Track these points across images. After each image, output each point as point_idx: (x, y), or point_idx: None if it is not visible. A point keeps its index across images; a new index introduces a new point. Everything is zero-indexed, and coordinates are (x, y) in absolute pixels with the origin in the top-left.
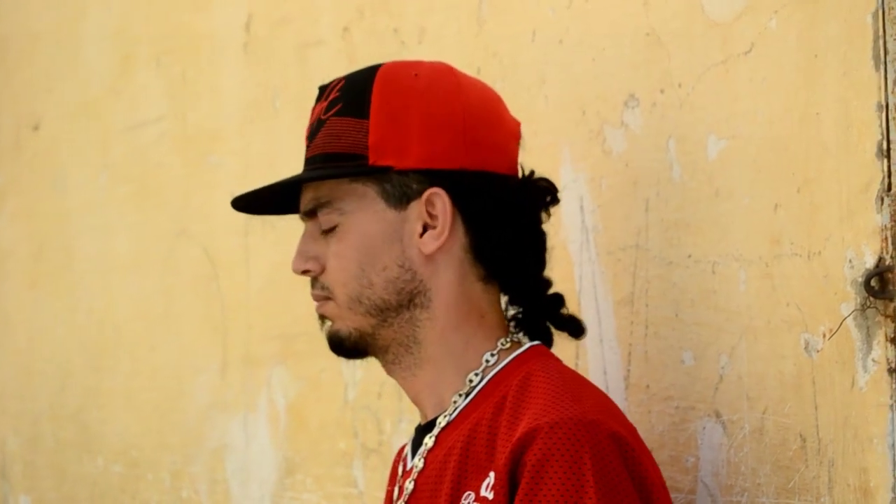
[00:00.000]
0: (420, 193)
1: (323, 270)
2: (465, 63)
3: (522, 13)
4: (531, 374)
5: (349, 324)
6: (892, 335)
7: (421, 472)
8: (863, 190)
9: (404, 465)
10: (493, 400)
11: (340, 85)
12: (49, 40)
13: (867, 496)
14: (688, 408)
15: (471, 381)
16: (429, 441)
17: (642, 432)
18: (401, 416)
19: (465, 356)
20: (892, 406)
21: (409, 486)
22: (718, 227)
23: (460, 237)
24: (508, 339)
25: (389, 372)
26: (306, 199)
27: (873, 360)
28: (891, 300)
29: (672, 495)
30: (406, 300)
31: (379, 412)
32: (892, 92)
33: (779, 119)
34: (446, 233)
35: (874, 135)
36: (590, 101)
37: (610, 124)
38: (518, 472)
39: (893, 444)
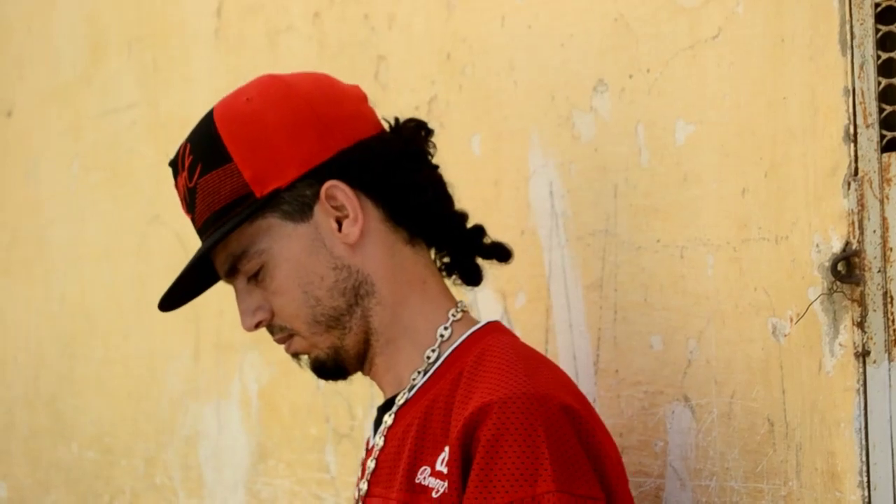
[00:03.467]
0: (317, 195)
1: (272, 314)
2: (435, 49)
3: None
4: (486, 350)
5: (322, 346)
6: (859, 319)
7: (382, 450)
8: (830, 174)
9: (367, 445)
10: (450, 376)
11: (188, 149)
12: (21, 27)
13: (834, 480)
14: (656, 392)
15: (428, 357)
16: (388, 419)
17: (611, 417)
18: (372, 401)
19: (418, 332)
20: (858, 390)
21: (370, 464)
22: (686, 212)
23: (372, 211)
24: (458, 310)
25: (362, 371)
26: (221, 262)
27: (840, 345)
28: (857, 284)
29: (641, 479)
30: (353, 297)
31: (350, 397)
32: (859, 76)
33: (746, 104)
34: (360, 213)
35: (841, 119)
36: (559, 86)
37: (579, 109)
38: (472, 447)
39: (860, 428)
